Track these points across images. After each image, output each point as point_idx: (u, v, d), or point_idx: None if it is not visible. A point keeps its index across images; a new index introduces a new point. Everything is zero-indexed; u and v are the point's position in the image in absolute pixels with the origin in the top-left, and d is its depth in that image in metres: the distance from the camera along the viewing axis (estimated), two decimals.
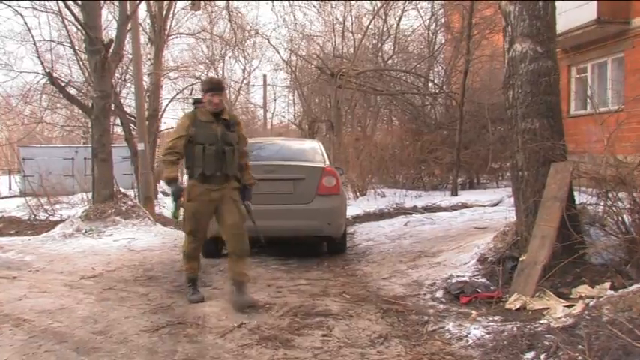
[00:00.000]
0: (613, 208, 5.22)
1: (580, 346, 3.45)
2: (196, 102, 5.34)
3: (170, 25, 19.15)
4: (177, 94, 21.18)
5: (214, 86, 5.20)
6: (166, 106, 20.22)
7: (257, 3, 23.32)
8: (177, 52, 22.57)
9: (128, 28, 12.94)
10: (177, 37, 20.95)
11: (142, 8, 16.53)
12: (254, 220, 5.35)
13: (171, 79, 21.23)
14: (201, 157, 5.07)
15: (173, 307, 5.20)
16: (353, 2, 20.24)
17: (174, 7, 18.61)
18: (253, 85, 30.74)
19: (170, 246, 8.96)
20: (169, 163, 5.13)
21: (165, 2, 17.72)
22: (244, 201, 5.35)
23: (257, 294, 5.57)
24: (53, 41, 15.21)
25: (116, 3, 14.59)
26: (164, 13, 17.96)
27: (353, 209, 12.94)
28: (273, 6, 34.29)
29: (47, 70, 12.44)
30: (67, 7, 11.76)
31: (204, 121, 5.14)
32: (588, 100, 14.37)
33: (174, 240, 9.51)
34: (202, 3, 17.68)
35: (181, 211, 5.32)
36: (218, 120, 5.16)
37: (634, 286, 3.94)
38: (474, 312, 4.53)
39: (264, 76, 30.39)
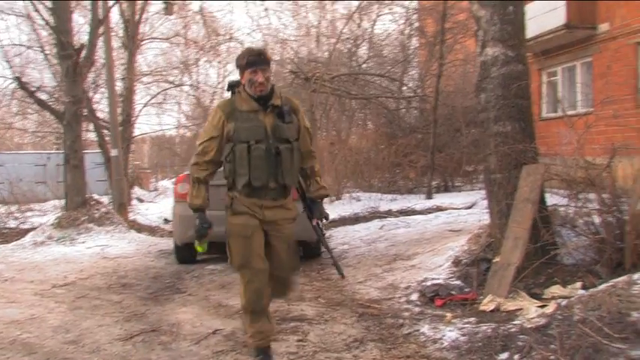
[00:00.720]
0: (583, 209, 5.29)
1: (552, 346, 3.49)
2: (232, 87, 3.75)
3: (143, 30, 19.01)
4: (151, 99, 21.03)
5: (255, 59, 3.54)
6: (140, 111, 20.04)
7: (231, 7, 23.29)
8: (151, 57, 22.34)
9: (100, 33, 12.81)
10: (150, 42, 20.78)
11: (115, 12, 16.38)
12: (328, 246, 3.90)
13: (144, 84, 21.06)
14: (246, 160, 3.52)
15: (147, 314, 5.16)
16: (328, 7, 20.31)
17: (147, 12, 18.47)
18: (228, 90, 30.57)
19: (144, 252, 8.89)
20: (195, 182, 3.63)
21: (137, 7, 17.57)
22: (312, 220, 3.83)
23: (232, 300, 5.55)
24: (22, 45, 15.01)
25: (88, 6, 14.44)
26: (137, 17, 17.81)
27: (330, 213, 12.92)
28: (247, 10, 34.34)
29: (16, 75, 12.28)
30: (37, 10, 11.60)
31: (247, 111, 3.58)
32: (559, 103, 14.62)
33: (149, 247, 9.45)
34: (176, 7, 17.58)
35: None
36: (266, 107, 3.59)
37: (603, 286, 4.01)
38: (448, 314, 4.55)
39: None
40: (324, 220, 3.87)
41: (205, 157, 3.59)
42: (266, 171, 3.55)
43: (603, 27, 13.11)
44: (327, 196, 3.91)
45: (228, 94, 3.85)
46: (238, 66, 3.63)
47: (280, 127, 3.60)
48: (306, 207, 3.85)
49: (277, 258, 3.66)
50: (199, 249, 3.78)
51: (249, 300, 3.63)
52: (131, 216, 14.04)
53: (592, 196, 5.26)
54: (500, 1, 5.50)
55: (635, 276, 3.85)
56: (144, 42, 19.57)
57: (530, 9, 11.15)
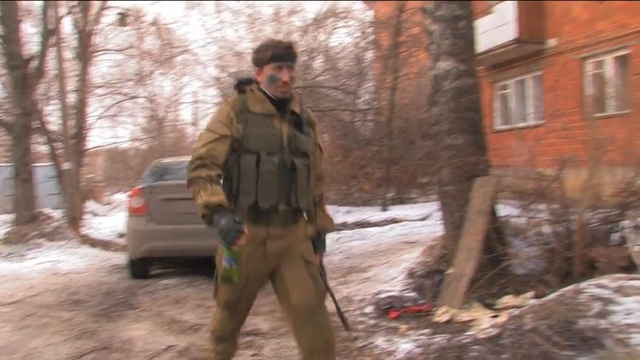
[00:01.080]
0: (534, 220, 5.40)
1: (504, 356, 3.55)
2: (243, 84, 2.94)
3: (97, 41, 18.70)
4: (104, 111, 20.70)
5: (282, 53, 2.85)
6: (93, 124, 19.68)
7: (186, 19, 23.27)
8: (104, 69, 21.94)
9: (52, 43, 12.56)
10: (104, 54, 20.48)
11: (67, 22, 16.09)
12: (331, 291, 2.99)
13: (98, 97, 20.71)
14: (254, 175, 2.78)
15: (99, 331, 5.04)
16: (284, 19, 20.39)
17: (101, 23, 18.19)
18: (183, 103, 30.35)
19: (97, 268, 8.71)
20: (207, 181, 2.67)
21: (90, 17, 17.29)
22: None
23: (185, 315, 5.49)
24: None
25: (39, 16, 14.15)
26: (90, 28, 17.53)
27: None
28: (203, 22, 34.19)
29: None
30: None
31: (260, 114, 2.84)
32: (512, 115, 14.99)
33: (101, 262, 9.26)
34: (130, 18, 17.39)
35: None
36: (283, 113, 2.89)
37: (553, 295, 4.09)
38: (403, 326, 4.58)
39: (194, 92, 30.15)
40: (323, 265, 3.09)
41: (213, 159, 2.72)
42: (276, 190, 2.80)
43: (552, 42, 13.51)
44: (332, 228, 3.19)
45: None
46: (257, 59, 2.90)
47: (298, 137, 2.89)
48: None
49: (297, 283, 2.84)
50: (231, 274, 2.63)
51: (222, 330, 3.05)
52: (84, 230, 13.75)
53: (542, 206, 5.37)
54: (452, 16, 5.61)
55: (582, 285, 3.94)
56: (97, 53, 19.29)
57: (481, 24, 11.41)
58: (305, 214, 2.97)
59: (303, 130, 2.92)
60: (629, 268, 4.45)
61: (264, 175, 2.77)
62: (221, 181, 2.76)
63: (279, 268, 2.86)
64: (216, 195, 2.63)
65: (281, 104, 2.87)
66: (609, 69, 12.23)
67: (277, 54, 2.82)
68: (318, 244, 3.05)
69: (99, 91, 20.54)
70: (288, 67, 2.84)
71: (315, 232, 3.04)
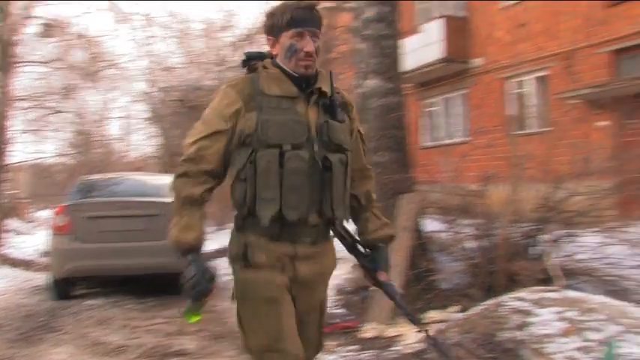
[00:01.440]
0: (459, 235, 5.54)
1: None
2: (253, 59, 2.30)
3: (19, 52, 18.07)
4: (28, 125, 20.01)
5: (303, 16, 2.17)
6: (15, 138, 18.96)
7: (116, 32, 22.85)
8: (28, 81, 21.17)
9: None
10: (26, 65, 19.81)
11: None
12: (407, 310, 2.42)
13: (22, 110, 20.00)
14: (277, 176, 2.10)
15: (15, 358, 4.81)
16: (216, 34, 20.31)
17: (23, 33, 17.61)
18: (111, 117, 29.65)
19: (16, 289, 8.33)
20: (186, 204, 2.14)
21: (10, 25, 16.71)
22: (375, 274, 2.33)
23: (110, 336, 5.32)
24: None
25: None
26: (10, 37, 16.93)
27: (212, 243, 12.67)
28: (134, 36, 33.61)
29: None
30: None
31: (277, 96, 2.17)
32: (439, 132, 15.38)
33: (22, 283, 8.88)
34: (57, 29, 16.95)
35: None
36: (309, 94, 2.20)
37: (477, 308, 4.20)
38: (331, 343, 4.59)
39: (123, 107, 29.51)
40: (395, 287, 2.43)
41: (201, 165, 2.14)
42: (307, 196, 2.13)
43: (477, 61, 14.00)
44: (393, 237, 2.45)
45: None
46: (271, 26, 2.22)
47: (331, 126, 2.20)
48: (358, 255, 2.37)
49: (302, 332, 2.21)
50: (192, 318, 2.18)
51: None
52: (4, 250, 13.19)
53: (467, 222, 5.51)
54: (379, 35, 5.72)
55: (504, 298, 4.06)
56: (19, 65, 18.65)
57: (409, 42, 11.69)
58: (336, 228, 2.31)
59: (337, 115, 2.23)
60: (546, 280, 4.62)
61: (290, 176, 2.11)
62: (210, 196, 2.19)
63: (295, 304, 2.20)
64: (189, 231, 2.10)
65: (304, 83, 2.21)
66: (530, 89, 12.76)
67: (298, 17, 2.16)
68: (378, 257, 2.35)
69: (22, 104, 19.86)
70: (312, 33, 2.18)
71: (370, 246, 2.36)
